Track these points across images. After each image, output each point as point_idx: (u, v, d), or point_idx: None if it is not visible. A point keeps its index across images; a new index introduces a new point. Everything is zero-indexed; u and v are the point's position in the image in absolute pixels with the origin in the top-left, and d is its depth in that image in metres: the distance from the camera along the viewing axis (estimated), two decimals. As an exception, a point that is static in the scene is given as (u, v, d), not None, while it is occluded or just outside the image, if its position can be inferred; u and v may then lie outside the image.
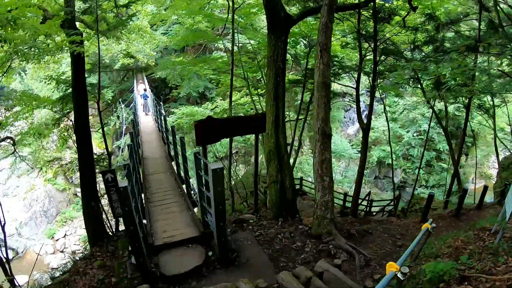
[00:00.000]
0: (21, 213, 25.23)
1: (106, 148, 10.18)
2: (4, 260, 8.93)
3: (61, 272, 8.67)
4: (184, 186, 9.39)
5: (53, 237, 25.02)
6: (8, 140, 12.55)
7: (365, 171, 24.72)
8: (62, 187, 28.09)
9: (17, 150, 13.38)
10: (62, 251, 23.92)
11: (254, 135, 9.15)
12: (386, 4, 13.07)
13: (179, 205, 8.25)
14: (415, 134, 29.41)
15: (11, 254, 22.63)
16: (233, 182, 11.91)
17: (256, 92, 13.85)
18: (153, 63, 18.68)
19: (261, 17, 19.50)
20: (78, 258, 8.89)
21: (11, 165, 22.80)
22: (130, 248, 6.44)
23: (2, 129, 12.16)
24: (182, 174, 10.01)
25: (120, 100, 24.99)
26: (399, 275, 3.22)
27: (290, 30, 9.78)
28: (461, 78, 11.25)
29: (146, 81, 27.03)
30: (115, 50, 24.59)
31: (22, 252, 23.41)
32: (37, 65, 19.26)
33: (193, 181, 8.91)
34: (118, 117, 26.66)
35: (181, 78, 24.09)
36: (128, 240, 7.93)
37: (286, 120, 10.39)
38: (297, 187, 15.26)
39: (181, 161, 9.68)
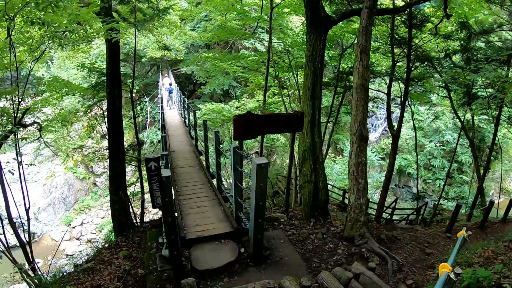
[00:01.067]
0: (40, 199, 25.45)
1: (137, 138, 10.09)
2: (26, 244, 8.96)
3: (83, 260, 8.57)
4: (214, 180, 9.24)
5: (70, 224, 25.17)
6: (35, 126, 12.56)
7: (384, 179, 24.49)
8: (82, 176, 28.30)
9: (42, 136, 13.40)
10: (78, 239, 24.03)
11: (285, 133, 9.01)
12: (421, 10, 12.86)
13: (210, 199, 8.08)
14: (437, 145, 28.82)
15: (27, 238, 22.74)
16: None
17: (286, 91, 13.62)
18: (181, 58, 18.61)
19: (290, 18, 19.37)
20: (101, 247, 8.78)
21: (35, 151, 23.00)
22: (162, 240, 6.32)
23: (30, 113, 12.17)
24: (213, 168, 9.89)
25: (144, 93, 25.06)
26: (452, 275, 3.18)
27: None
28: (495, 89, 10.96)
29: (171, 75, 27.07)
30: (142, 43, 24.70)
31: (38, 237, 23.56)
32: (67, 53, 19.43)
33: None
34: (141, 109, 26.73)
35: (206, 76, 24.09)
36: (157, 231, 7.84)
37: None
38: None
39: (212, 155, 9.54)
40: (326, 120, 14.03)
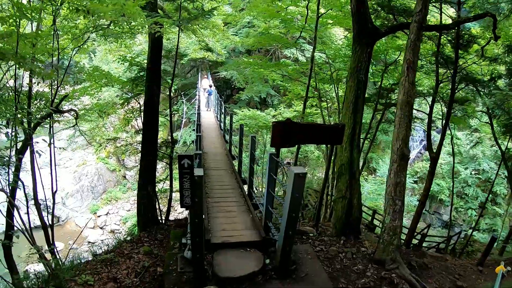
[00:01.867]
0: (69, 185, 25.90)
1: (171, 135, 9.96)
2: (48, 226, 8.89)
3: (103, 250, 8.44)
4: (245, 186, 8.97)
5: (95, 213, 25.47)
6: (72, 113, 12.65)
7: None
8: (113, 167, 28.70)
9: (78, 124, 13.51)
10: (101, 228, 24.26)
11: (321, 146, 8.66)
12: (468, 31, 12.31)
13: (239, 205, 7.78)
14: (473, 172, 27.54)
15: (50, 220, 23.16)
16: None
17: (324, 104, 13.23)
18: (221, 61, 18.57)
19: (332, 30, 18.99)
20: (123, 239, 8.64)
21: (69, 138, 23.46)
22: (185, 241, 6.07)
23: (68, 101, 12.28)
24: (245, 174, 9.65)
25: (182, 94, 25.19)
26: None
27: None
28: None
29: (210, 77, 27.19)
30: (184, 45, 24.88)
31: (63, 221, 23.90)
32: (109, 47, 19.76)
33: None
34: (177, 109, 26.92)
35: (245, 82, 23.99)
36: (181, 231, 7.62)
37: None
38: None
39: (246, 160, 9.29)
40: (363, 137, 13.55)
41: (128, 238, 8.86)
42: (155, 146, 9.13)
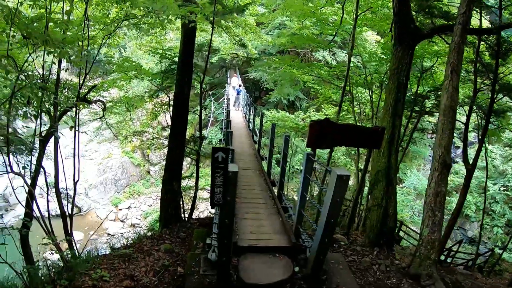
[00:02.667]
0: (93, 176, 25.92)
1: (200, 130, 9.53)
2: (68, 217, 8.50)
3: (122, 243, 8.08)
4: (274, 188, 8.49)
5: (117, 206, 25.40)
6: (99, 104, 12.47)
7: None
8: (138, 162, 28.63)
9: (105, 116, 13.34)
10: (122, 221, 24.14)
11: (351, 151, 8.13)
12: (507, 39, 11.54)
13: (268, 207, 7.29)
14: (501, 189, 26.24)
15: (74, 210, 23.12)
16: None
17: (357, 109, 12.60)
18: (253, 57, 18.11)
19: (365, 34, 18.32)
20: (143, 235, 8.24)
21: (96, 130, 23.46)
22: (210, 242, 5.63)
23: (96, 92, 12.09)
24: (275, 175, 9.18)
25: (210, 93, 24.94)
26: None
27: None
28: None
29: (239, 76, 26.92)
30: (214, 44, 24.62)
31: (84, 211, 23.92)
32: (140, 41, 19.60)
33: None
34: (205, 108, 26.67)
35: (274, 83, 23.51)
36: (205, 231, 7.18)
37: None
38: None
39: (275, 161, 8.82)
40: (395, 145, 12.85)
41: (149, 234, 8.46)
42: (183, 140, 8.74)
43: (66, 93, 11.20)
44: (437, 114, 14.74)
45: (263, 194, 8.11)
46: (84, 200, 24.32)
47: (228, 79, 26.32)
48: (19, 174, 6.94)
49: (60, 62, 9.49)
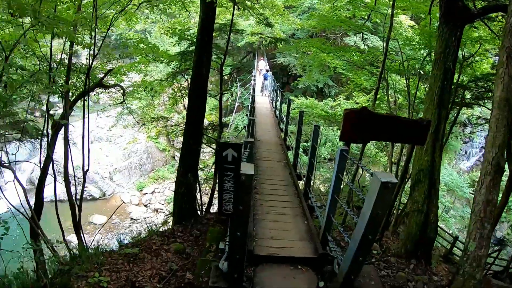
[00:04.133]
0: (118, 161, 25.61)
1: (220, 117, 8.61)
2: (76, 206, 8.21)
3: (133, 236, 7.34)
4: (301, 182, 7.53)
5: (141, 190, 25.00)
6: (118, 88, 11.80)
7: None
8: (163, 147, 28.09)
9: (126, 101, 12.72)
10: (145, 205, 23.76)
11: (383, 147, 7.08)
12: None
13: (293, 207, 6.31)
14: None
15: (98, 194, 23.21)
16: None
17: (391, 97, 11.27)
18: (279, 44, 16.95)
19: (398, 18, 16.82)
20: (155, 230, 7.43)
21: (118, 115, 23.01)
22: (223, 247, 4.74)
23: (114, 77, 11.43)
24: (301, 168, 8.24)
25: (237, 78, 24.05)
26: None
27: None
28: None
29: (266, 59, 25.92)
30: (240, 27, 23.63)
31: (109, 195, 23.66)
32: (163, 24, 18.78)
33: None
34: (231, 94, 25.81)
35: (302, 69, 22.31)
36: (221, 230, 6.32)
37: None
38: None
39: (302, 149, 7.83)
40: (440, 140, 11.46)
41: (162, 229, 7.68)
42: (199, 128, 7.82)
43: (83, 78, 10.57)
44: (476, 106, 13.31)
45: (287, 190, 7.14)
46: (109, 184, 24.04)
47: (255, 65, 25.46)
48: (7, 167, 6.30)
49: (72, 45, 8.80)
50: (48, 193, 22.14)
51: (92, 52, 7.82)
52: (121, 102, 13.46)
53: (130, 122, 24.94)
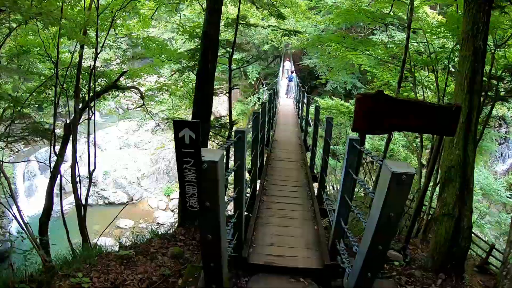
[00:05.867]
0: (146, 166, 25.46)
1: (229, 113, 7.89)
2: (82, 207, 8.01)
3: (144, 237, 6.74)
4: (316, 184, 6.66)
5: (168, 195, 24.59)
6: (135, 91, 11.39)
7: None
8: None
9: (146, 105, 12.30)
10: (172, 211, 23.34)
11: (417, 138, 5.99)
12: None
13: (303, 210, 5.44)
14: None
15: (126, 199, 23.01)
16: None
17: (420, 94, 10.06)
18: (304, 45, 16.09)
19: (420, 10, 15.52)
20: (162, 233, 6.77)
21: (141, 119, 22.84)
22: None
23: (131, 79, 11.06)
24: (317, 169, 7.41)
25: (264, 82, 23.63)
26: None
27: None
28: None
29: (292, 60, 25.37)
30: (263, 34, 23.07)
31: (136, 200, 23.41)
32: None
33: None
34: (258, 98, 25.31)
35: (328, 69, 21.49)
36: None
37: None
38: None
39: (319, 150, 6.97)
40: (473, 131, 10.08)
41: (171, 231, 7.00)
42: (207, 125, 7.15)
43: (99, 81, 10.25)
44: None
45: (300, 192, 6.27)
46: (136, 189, 23.89)
47: (281, 65, 24.98)
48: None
49: (82, 47, 8.43)
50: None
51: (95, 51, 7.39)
52: (141, 106, 13.07)
53: (159, 127, 24.92)
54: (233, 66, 8.83)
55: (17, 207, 6.99)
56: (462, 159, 4.86)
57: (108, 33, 7.88)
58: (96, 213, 19.35)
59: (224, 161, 2.48)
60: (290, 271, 3.85)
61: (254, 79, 26.92)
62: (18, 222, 6.80)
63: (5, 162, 8.61)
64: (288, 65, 23.49)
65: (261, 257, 3.99)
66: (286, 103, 19.12)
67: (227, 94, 8.58)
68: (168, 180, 25.88)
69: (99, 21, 7.88)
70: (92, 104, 8.74)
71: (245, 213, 5.98)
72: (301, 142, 10.54)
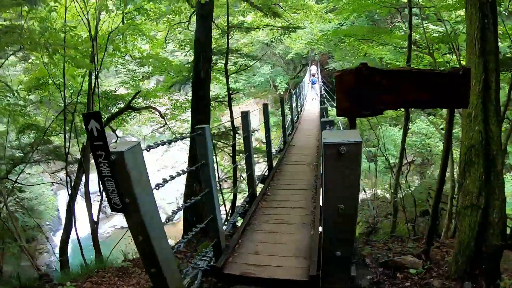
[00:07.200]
0: (182, 186, 25.70)
1: (231, 120, 7.60)
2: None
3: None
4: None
5: (206, 214, 24.80)
6: (153, 110, 11.46)
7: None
8: (227, 169, 27.86)
9: (167, 123, 12.35)
10: (208, 228, 23.45)
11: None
12: None
13: (304, 214, 4.85)
14: None
15: (164, 219, 23.22)
16: (400, 196, 7.70)
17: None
18: (322, 40, 15.57)
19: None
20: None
21: (169, 138, 23.26)
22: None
23: (147, 99, 11.18)
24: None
25: (293, 92, 23.78)
26: None
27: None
28: None
29: (319, 65, 25.20)
30: (285, 44, 22.92)
31: (176, 220, 23.52)
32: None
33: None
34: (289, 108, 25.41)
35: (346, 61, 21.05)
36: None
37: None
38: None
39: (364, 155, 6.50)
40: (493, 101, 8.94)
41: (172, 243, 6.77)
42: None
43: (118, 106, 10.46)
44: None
45: (305, 195, 5.71)
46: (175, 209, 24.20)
47: (308, 70, 25.17)
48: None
49: (90, 74, 8.64)
50: (118, 221, 22.89)
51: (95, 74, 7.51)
52: (163, 126, 13.13)
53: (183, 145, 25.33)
54: (234, 69, 8.66)
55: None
56: (484, 135, 3.84)
57: (105, 49, 8.00)
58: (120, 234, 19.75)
59: (142, 153, 2.13)
60: (270, 283, 3.28)
61: (283, 89, 26.70)
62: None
63: (19, 183, 8.99)
64: (314, 69, 23.36)
65: (240, 267, 3.49)
66: (311, 108, 18.83)
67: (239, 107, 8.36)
68: (206, 198, 26.04)
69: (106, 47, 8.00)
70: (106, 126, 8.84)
71: (240, 219, 5.66)
72: (319, 144, 10.02)
